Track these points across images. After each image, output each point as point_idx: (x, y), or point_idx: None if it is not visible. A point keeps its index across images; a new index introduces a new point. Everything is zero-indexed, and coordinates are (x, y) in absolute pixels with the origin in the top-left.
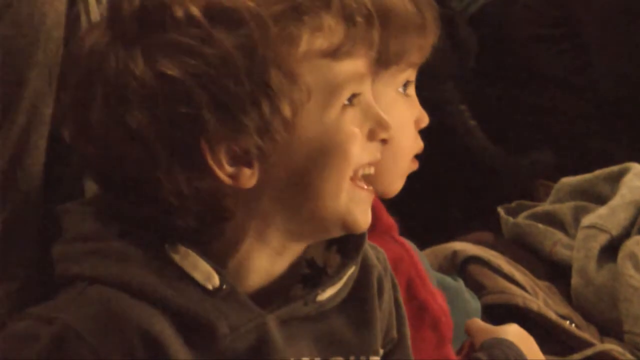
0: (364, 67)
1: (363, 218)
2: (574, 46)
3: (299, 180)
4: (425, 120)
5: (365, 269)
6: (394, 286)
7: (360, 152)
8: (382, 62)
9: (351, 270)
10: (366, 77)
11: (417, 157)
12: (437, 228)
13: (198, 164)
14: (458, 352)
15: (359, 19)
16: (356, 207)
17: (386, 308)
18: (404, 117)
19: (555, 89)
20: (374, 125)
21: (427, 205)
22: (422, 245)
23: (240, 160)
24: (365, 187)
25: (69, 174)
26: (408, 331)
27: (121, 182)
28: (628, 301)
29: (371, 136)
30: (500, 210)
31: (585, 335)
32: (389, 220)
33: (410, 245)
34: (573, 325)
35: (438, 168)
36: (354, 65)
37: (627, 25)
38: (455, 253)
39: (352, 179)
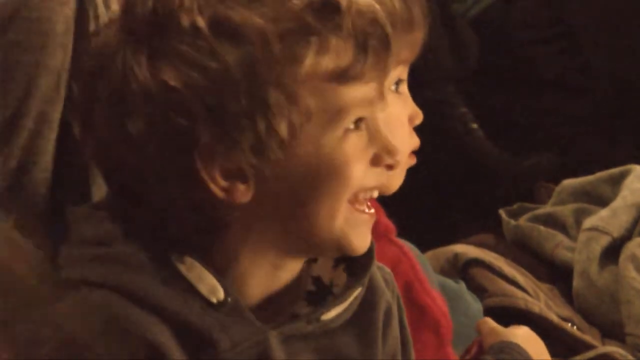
0: (374, 92)
1: (359, 242)
2: (573, 48)
3: (295, 199)
4: (419, 117)
5: (372, 290)
6: (399, 308)
7: (361, 177)
8: None
9: (357, 292)
10: (376, 101)
11: (419, 158)
12: (438, 230)
13: (192, 176)
14: (466, 352)
15: (372, 42)
16: (352, 230)
17: (395, 332)
18: (397, 115)
19: (556, 91)
20: (379, 150)
21: (428, 207)
22: (424, 247)
23: (235, 175)
24: (367, 210)
25: (76, 178)
26: (413, 354)
27: (122, 185)
28: (630, 303)
29: (376, 161)
30: (502, 212)
31: (587, 337)
32: (387, 223)
33: (409, 247)
34: (575, 327)
35: (439, 170)
36: (363, 90)
37: (625, 26)
38: (456, 256)
39: (352, 202)
